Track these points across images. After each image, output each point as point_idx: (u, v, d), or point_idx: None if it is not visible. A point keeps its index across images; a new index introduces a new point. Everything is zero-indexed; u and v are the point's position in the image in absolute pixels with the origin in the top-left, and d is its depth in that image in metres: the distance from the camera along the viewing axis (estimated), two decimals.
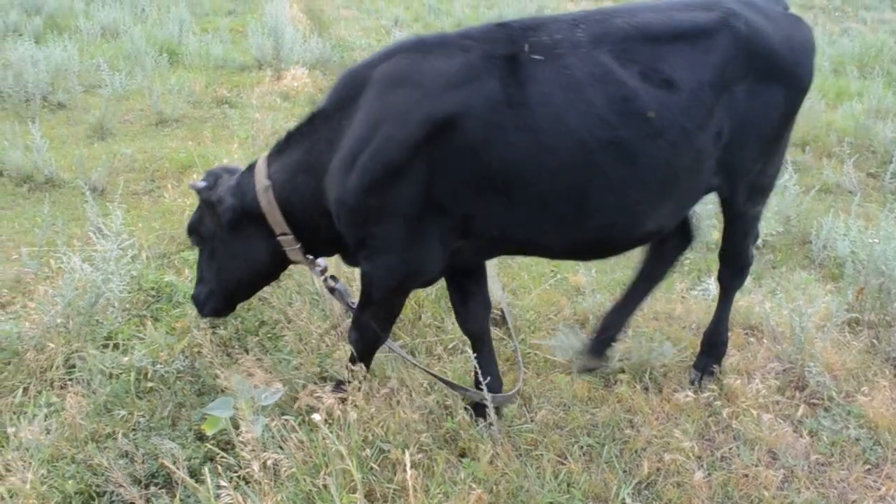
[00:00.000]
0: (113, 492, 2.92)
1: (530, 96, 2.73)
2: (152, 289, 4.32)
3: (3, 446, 3.13)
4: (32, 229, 5.25)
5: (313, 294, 3.99)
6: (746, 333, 4.13)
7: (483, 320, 3.42)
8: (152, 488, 2.99)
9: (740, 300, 4.32)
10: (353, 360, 3.25)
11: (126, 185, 5.69)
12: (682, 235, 3.63)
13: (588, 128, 2.74)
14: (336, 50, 11.10)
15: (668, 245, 3.61)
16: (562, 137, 2.74)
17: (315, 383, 3.37)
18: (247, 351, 3.76)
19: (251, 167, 3.23)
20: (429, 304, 4.25)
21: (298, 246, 3.18)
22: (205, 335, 3.44)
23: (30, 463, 2.97)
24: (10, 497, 2.82)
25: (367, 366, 3.27)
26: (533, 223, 2.95)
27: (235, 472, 2.91)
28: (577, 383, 3.67)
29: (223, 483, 2.52)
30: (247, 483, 2.81)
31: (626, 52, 2.83)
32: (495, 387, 3.34)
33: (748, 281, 4.44)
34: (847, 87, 9.78)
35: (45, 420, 3.22)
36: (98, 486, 2.99)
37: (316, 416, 2.69)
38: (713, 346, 3.72)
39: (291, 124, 3.27)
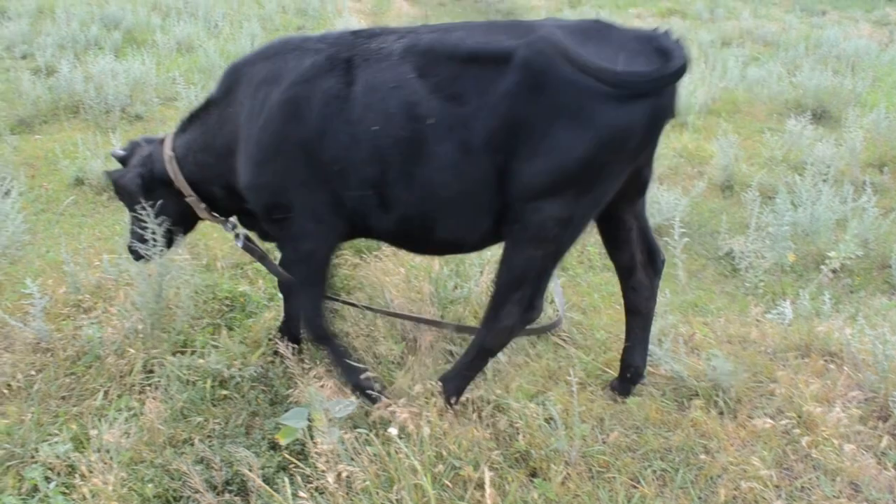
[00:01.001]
0: (190, 497, 2.99)
1: (352, 93, 3.14)
2: (227, 298, 4.42)
3: (85, 448, 3.22)
4: (112, 237, 5.42)
5: (384, 306, 4.01)
6: (826, 360, 3.99)
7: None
8: (227, 495, 3.04)
9: (819, 325, 4.19)
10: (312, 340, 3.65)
11: None
12: (648, 265, 3.61)
13: (382, 125, 3.07)
14: None
15: (636, 277, 3.61)
16: (366, 132, 3.10)
17: (387, 397, 3.39)
18: (319, 363, 3.80)
19: (162, 140, 3.76)
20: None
21: (204, 206, 3.72)
22: (286, 346, 3.49)
23: (110, 465, 3.05)
24: (92, 497, 2.90)
25: (324, 333, 3.55)
26: (361, 208, 3.28)
27: (309, 482, 2.94)
28: (650, 406, 3.61)
29: (302, 494, 2.55)
30: (320, 493, 2.84)
31: (427, 65, 3.08)
32: None
33: (827, 306, 4.33)
34: None
35: (125, 423, 3.31)
36: (175, 490, 3.05)
37: (392, 430, 2.70)
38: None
39: None
